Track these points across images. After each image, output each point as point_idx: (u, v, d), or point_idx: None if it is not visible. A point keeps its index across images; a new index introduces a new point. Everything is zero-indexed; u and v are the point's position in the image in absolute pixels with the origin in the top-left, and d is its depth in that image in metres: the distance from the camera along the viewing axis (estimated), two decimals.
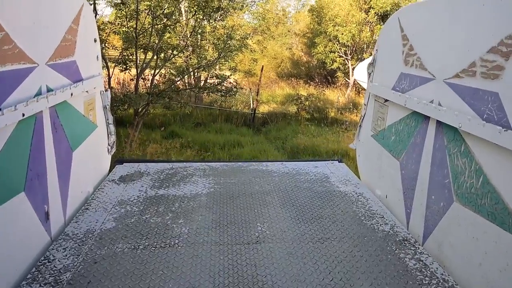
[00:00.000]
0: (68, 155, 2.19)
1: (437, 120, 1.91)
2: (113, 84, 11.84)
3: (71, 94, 2.16)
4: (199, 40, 11.43)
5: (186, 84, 11.98)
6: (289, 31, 24.40)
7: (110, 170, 2.96)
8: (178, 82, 10.67)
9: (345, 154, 8.72)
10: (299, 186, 2.77)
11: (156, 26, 9.23)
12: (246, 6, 16.90)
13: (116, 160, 3.13)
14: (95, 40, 2.75)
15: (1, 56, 1.47)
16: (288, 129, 11.41)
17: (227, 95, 10.73)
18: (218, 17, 13.66)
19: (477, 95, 1.61)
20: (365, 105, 2.97)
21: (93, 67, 2.69)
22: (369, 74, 2.88)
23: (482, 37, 1.60)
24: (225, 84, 10.68)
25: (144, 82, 10.14)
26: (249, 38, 14.22)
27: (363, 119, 3.01)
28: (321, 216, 2.30)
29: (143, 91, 9.95)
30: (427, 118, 2.03)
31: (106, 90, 2.93)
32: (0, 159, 1.48)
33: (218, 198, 2.49)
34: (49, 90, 1.92)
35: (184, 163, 3.15)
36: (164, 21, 9.25)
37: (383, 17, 17.97)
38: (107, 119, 2.92)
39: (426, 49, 2.10)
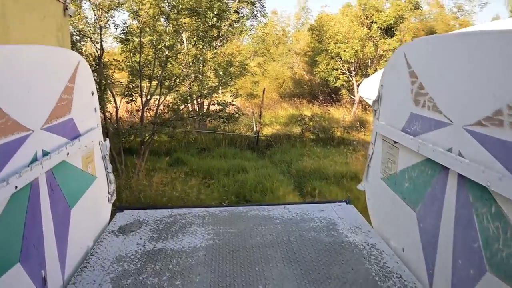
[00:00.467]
0: (66, 214, 2.19)
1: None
2: (122, 112, 12.10)
3: (67, 154, 2.17)
4: (200, 67, 11.68)
5: (190, 111, 12.18)
6: (289, 51, 24.69)
7: (111, 218, 2.97)
8: (182, 110, 10.85)
9: (354, 177, 8.56)
10: (304, 236, 2.57)
11: (159, 58, 9.48)
12: (245, 30, 17.24)
13: (117, 207, 3.14)
14: (92, 93, 2.79)
15: None
16: (293, 152, 11.31)
17: (229, 121, 10.83)
18: (218, 44, 13.97)
19: (507, 149, 1.39)
20: (372, 144, 2.76)
21: (91, 120, 2.71)
22: (375, 112, 2.70)
23: (510, 81, 1.39)
24: (227, 110, 10.80)
25: (149, 112, 10.35)
26: (248, 63, 14.44)
27: (370, 159, 2.79)
28: (329, 276, 2.07)
29: (148, 120, 10.13)
30: (446, 167, 1.76)
31: (105, 140, 2.96)
32: None
33: (217, 253, 2.38)
34: (45, 153, 1.92)
35: (184, 209, 3.13)
36: (166, 53, 9.50)
37: (387, 30, 17.88)
38: (107, 168, 2.94)
39: (439, 89, 1.86)
